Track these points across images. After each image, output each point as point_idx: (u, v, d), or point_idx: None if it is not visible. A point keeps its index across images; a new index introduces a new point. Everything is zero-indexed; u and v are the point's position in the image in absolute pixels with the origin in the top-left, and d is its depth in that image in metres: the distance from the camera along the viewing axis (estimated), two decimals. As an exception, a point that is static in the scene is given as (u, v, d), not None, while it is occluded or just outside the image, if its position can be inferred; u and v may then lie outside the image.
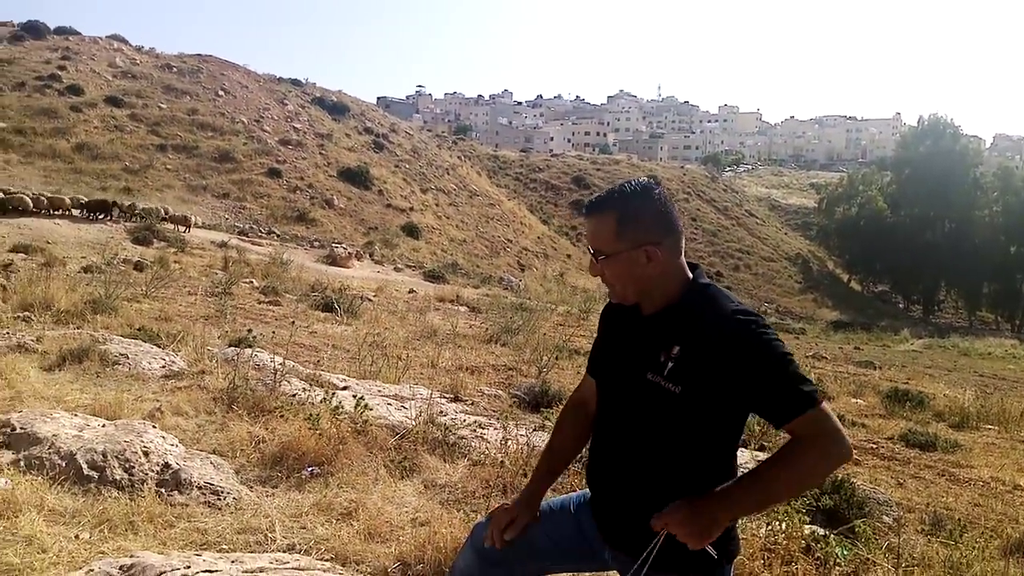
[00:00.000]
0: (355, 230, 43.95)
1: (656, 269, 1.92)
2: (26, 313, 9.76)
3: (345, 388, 6.65)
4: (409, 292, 23.02)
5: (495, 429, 5.60)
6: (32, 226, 23.09)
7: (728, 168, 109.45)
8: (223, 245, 26.78)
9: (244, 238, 31.48)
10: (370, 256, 35.35)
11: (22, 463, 3.78)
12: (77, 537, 3.27)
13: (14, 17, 56.07)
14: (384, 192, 51.15)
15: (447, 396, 7.43)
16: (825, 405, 1.77)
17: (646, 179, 2.02)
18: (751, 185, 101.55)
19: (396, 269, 33.11)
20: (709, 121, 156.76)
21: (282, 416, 5.08)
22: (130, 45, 60.39)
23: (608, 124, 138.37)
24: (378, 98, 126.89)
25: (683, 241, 1.98)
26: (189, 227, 29.00)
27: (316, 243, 35.75)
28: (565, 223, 71.83)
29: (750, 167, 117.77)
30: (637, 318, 2.02)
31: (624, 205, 1.94)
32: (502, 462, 4.44)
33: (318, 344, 10.86)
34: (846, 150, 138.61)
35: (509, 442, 4.82)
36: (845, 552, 3.74)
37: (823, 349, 21.39)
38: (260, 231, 35.90)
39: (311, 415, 4.78)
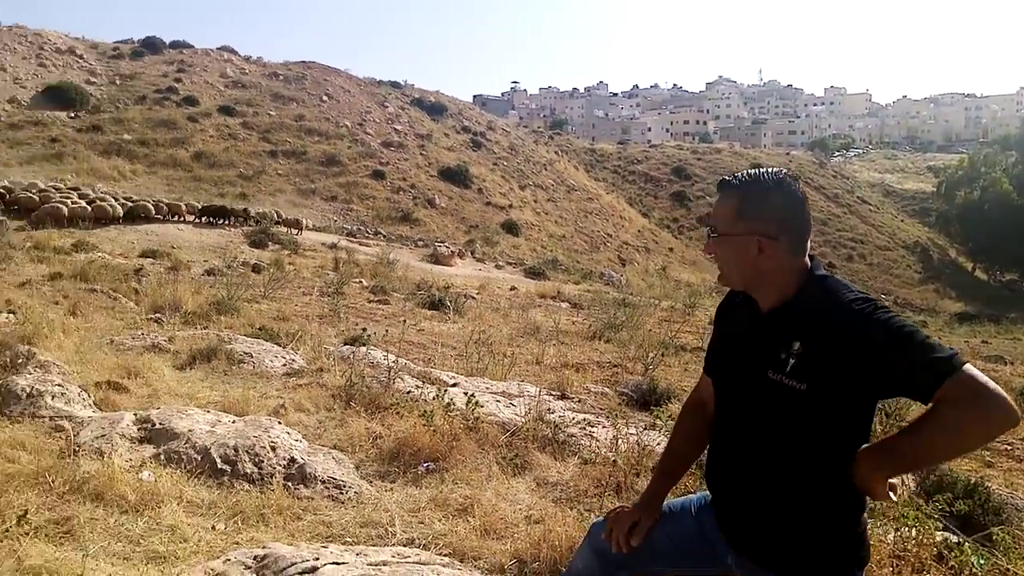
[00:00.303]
0: (457, 228, 44.65)
1: (768, 263, 1.86)
2: (157, 315, 10.43)
3: (455, 385, 6.78)
4: (511, 289, 23.16)
5: (604, 427, 5.57)
6: (158, 232, 24.60)
7: (837, 153, 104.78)
8: (333, 246, 27.76)
9: (352, 239, 32.52)
10: (472, 254, 35.83)
11: (162, 457, 4.05)
12: (214, 528, 3.48)
13: (134, 34, 59.91)
14: (483, 190, 51.73)
15: (554, 393, 7.44)
16: (971, 367, 1.62)
17: (785, 172, 1.95)
18: (862, 170, 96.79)
19: (497, 267, 33.40)
20: (815, 104, 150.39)
21: (397, 413, 5.23)
22: (239, 55, 63.44)
23: (708, 112, 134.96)
24: (474, 96, 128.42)
25: (807, 241, 1.90)
26: (301, 230, 30.22)
27: (420, 242, 36.53)
28: (666, 215, 70.60)
29: (861, 151, 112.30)
30: (754, 315, 1.96)
31: (749, 190, 1.90)
32: (614, 461, 4.40)
33: (426, 341, 11.09)
34: (965, 130, 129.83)
35: (619, 441, 4.78)
36: (982, 561, 3.50)
37: (947, 343, 20.16)
38: (367, 232, 37.00)
39: (425, 412, 4.90)
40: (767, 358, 1.86)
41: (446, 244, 35.36)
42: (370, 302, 16.01)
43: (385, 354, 6.89)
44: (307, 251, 25.85)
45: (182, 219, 27.32)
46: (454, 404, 5.12)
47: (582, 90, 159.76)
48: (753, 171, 1.96)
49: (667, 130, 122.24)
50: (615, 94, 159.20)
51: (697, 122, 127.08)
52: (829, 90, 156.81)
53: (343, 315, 12.99)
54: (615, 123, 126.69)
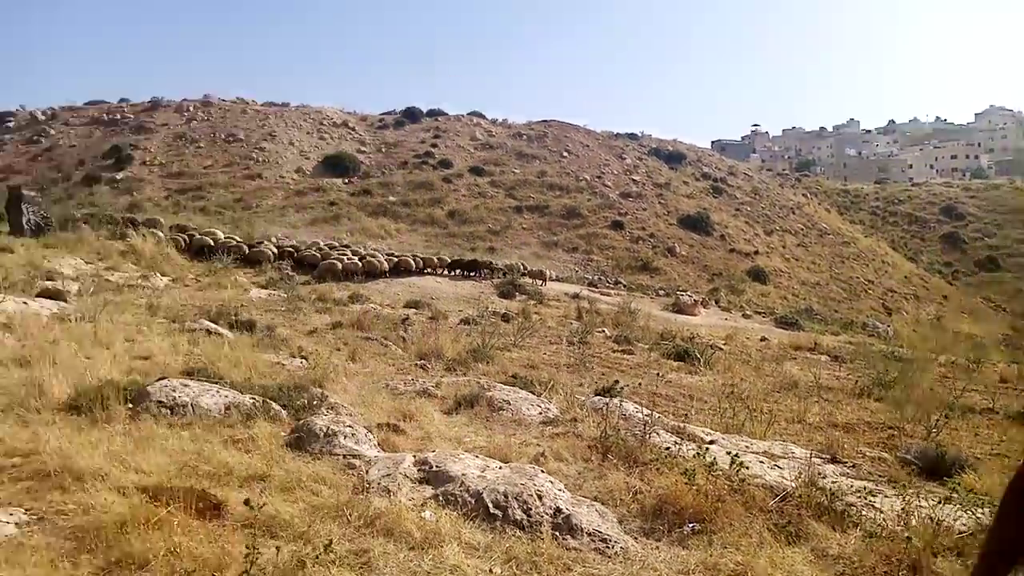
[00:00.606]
0: (699, 277, 43.71)
1: None
2: (423, 361, 11.25)
3: (712, 442, 6.51)
4: (760, 340, 22.06)
5: (887, 497, 5.03)
6: (419, 284, 26.67)
7: None
8: (575, 296, 28.32)
9: (593, 289, 32.99)
10: (716, 303, 34.77)
11: (440, 498, 4.30)
12: (491, 571, 3.60)
13: (397, 106, 66.51)
14: (726, 237, 50.30)
15: (823, 456, 6.87)
16: None
17: None
18: None
19: (744, 316, 32.06)
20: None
21: (657, 469, 5.13)
22: (487, 119, 67.92)
23: (979, 145, 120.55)
24: (712, 142, 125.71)
25: None
26: (545, 281, 31.24)
27: (661, 291, 36.16)
28: (936, 259, 63.68)
29: None
30: None
31: None
32: (908, 538, 3.93)
33: (675, 394, 10.84)
34: None
35: (910, 514, 4.27)
36: None
37: None
38: (607, 281, 37.37)
39: (686, 470, 4.74)
40: None
41: (688, 293, 34.65)
42: (614, 352, 15.97)
43: (638, 407, 6.81)
44: (551, 301, 26.54)
45: (438, 272, 29.42)
46: (716, 464, 4.90)
47: (830, 128, 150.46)
48: None
49: (931, 166, 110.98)
50: (868, 131, 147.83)
51: (967, 156, 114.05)
52: None
53: (589, 364, 13.12)
54: (870, 162, 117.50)
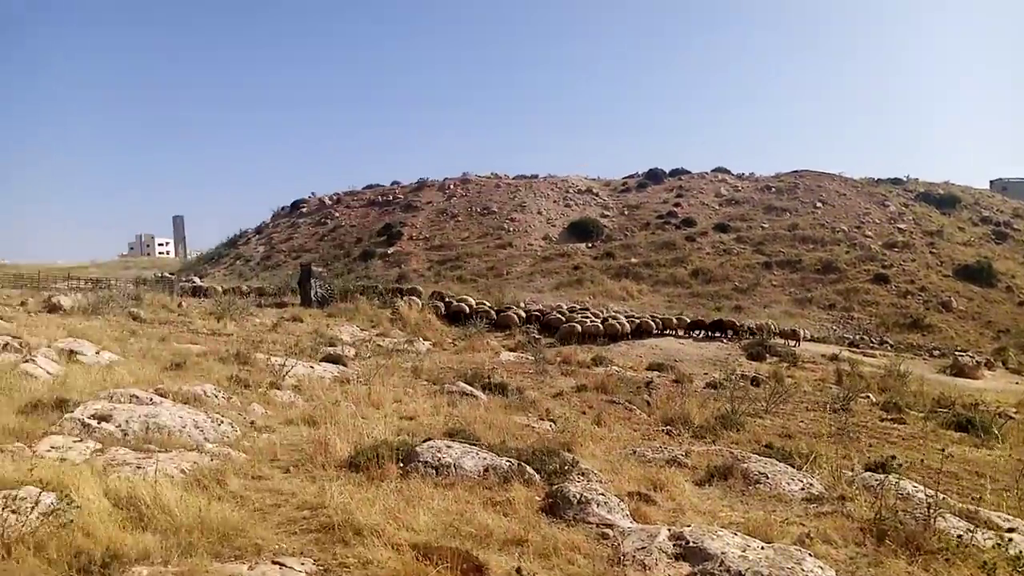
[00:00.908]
0: (981, 335, 38.72)
1: None
2: (668, 427, 11.03)
3: (1012, 530, 5.63)
4: (1065, 408, 18.96)
5: None
6: (661, 346, 26.33)
7: None
8: (834, 358, 26.35)
9: (854, 349, 30.54)
10: (1003, 364, 30.60)
11: (698, 576, 4.12)
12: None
13: (639, 168, 67.37)
14: (1014, 288, 44.23)
15: None
16: None
17: None
18: None
19: (1041, 379, 27.82)
20: None
21: (946, 559, 4.52)
22: (732, 174, 66.50)
23: None
24: (991, 181, 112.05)
25: None
26: (798, 341, 29.42)
27: (935, 351, 32.62)
28: None
29: None
30: None
31: None
32: None
33: (958, 470, 9.60)
34: None
35: None
36: None
37: None
38: (870, 341, 34.41)
39: (984, 563, 4.13)
40: None
41: (969, 353, 30.92)
42: (882, 421, 14.58)
43: (917, 486, 6.10)
44: (806, 363, 24.89)
45: (679, 332, 28.86)
46: (1023, 557, 4.22)
47: None
48: None
49: None
50: None
51: None
52: None
53: (853, 435, 12.06)
54: None
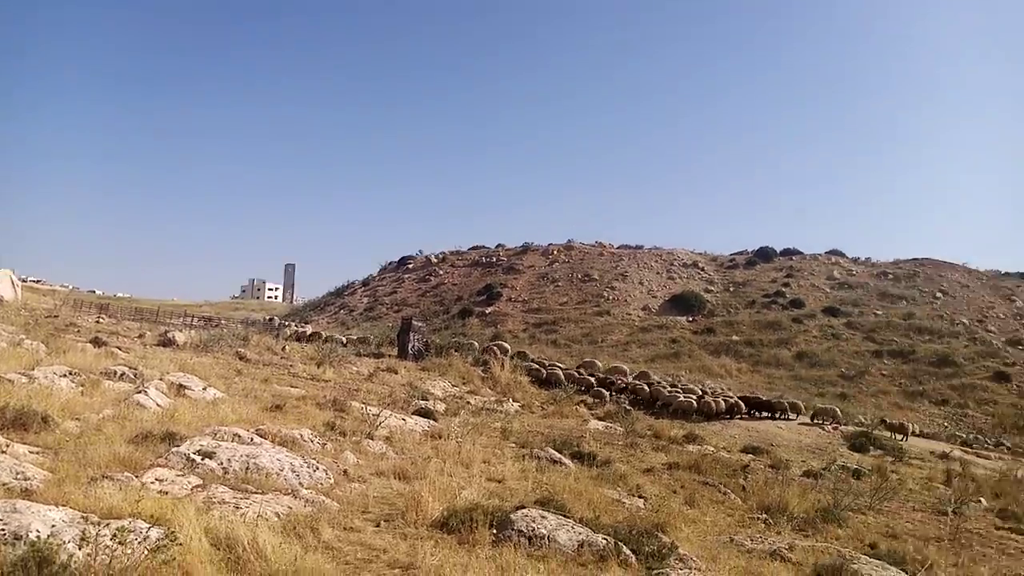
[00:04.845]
0: (1117, 444, 35.44)
1: None
2: (764, 515, 10.47)
3: None
4: None
5: None
6: (758, 428, 25.29)
7: None
8: (944, 456, 24.63)
9: (967, 449, 28.45)
10: None
11: None
12: None
13: (750, 246, 66.26)
14: None
15: None
16: None
17: None
18: None
19: None
20: None
21: None
22: (846, 257, 64.42)
23: None
24: None
25: None
26: (907, 435, 27.70)
27: (1062, 458, 29.97)
28: None
29: None
30: None
31: None
32: None
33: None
34: None
35: None
36: None
37: None
38: (985, 441, 32.03)
39: None
40: None
41: (1098, 462, 28.15)
42: (998, 528, 13.47)
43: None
44: (913, 459, 23.36)
45: (778, 416, 27.54)
46: None
47: None
48: None
49: None
50: None
51: None
52: None
53: (966, 542, 11.16)
54: None
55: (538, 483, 9.32)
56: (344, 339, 30.98)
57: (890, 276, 57.90)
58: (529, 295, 56.17)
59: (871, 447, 24.10)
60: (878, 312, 50.51)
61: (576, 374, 27.46)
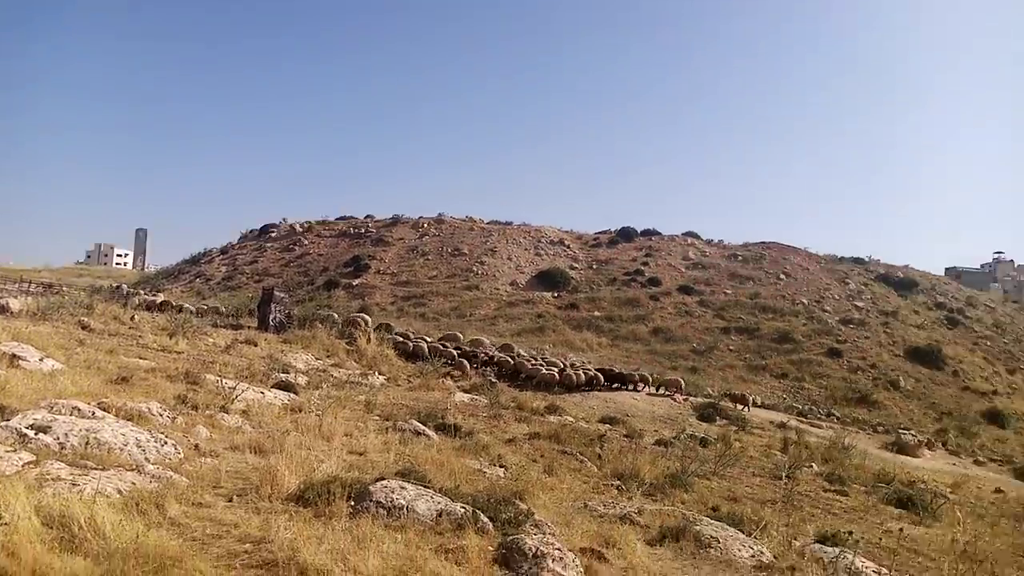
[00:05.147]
0: (924, 415, 39.60)
1: None
2: (617, 481, 10.95)
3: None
4: (995, 491, 19.66)
5: None
6: (615, 399, 26.37)
7: None
8: (782, 426, 26.63)
9: (802, 419, 30.90)
10: (943, 445, 31.24)
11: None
12: None
13: (613, 226, 68.37)
14: (960, 373, 45.48)
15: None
16: None
17: None
18: None
19: (976, 462, 28.57)
20: None
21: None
22: (701, 239, 67.73)
23: None
24: (946, 269, 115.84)
25: None
26: (748, 406, 29.70)
27: (880, 427, 33.19)
28: None
29: None
30: None
31: None
32: None
33: (895, 546, 9.67)
34: None
35: None
36: None
37: None
38: (818, 412, 34.89)
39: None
40: None
41: (912, 432, 31.48)
42: (825, 491, 14.74)
43: (871, 565, 6.10)
44: (755, 429, 25.12)
45: (634, 388, 28.74)
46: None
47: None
48: None
49: None
50: None
51: None
52: None
53: (798, 504, 12.15)
54: None
55: (400, 455, 9.28)
56: (200, 309, 29.49)
57: (739, 258, 61.58)
58: (398, 268, 55.55)
59: (717, 417, 25.70)
60: (728, 291, 53.67)
61: (440, 347, 27.47)
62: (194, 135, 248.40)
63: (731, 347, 45.17)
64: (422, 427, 12.32)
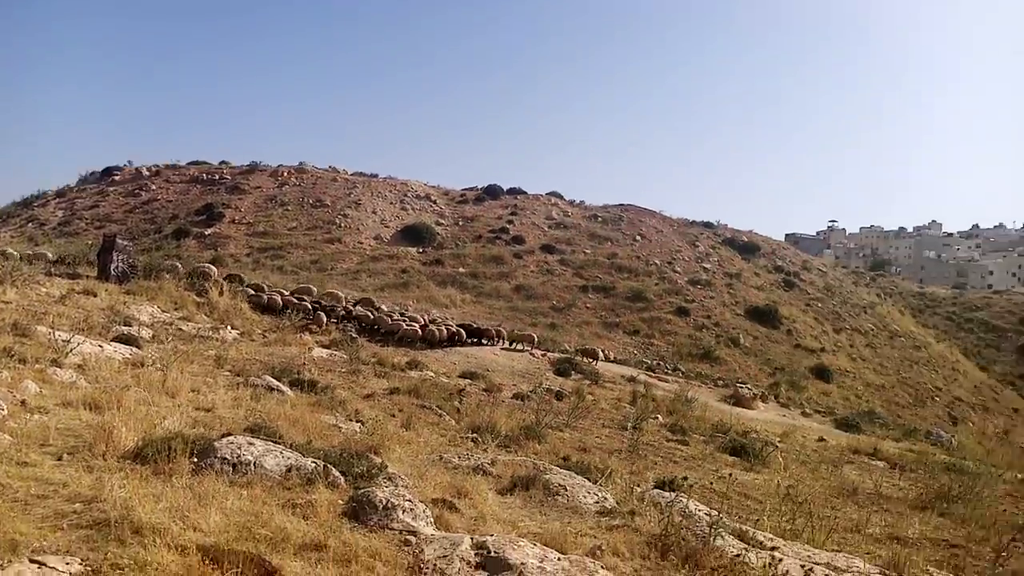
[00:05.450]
0: (760, 370, 42.70)
1: None
2: (474, 434, 11.16)
3: (774, 549, 6.21)
4: (818, 440, 21.32)
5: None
6: (476, 355, 26.66)
7: None
8: (632, 380, 27.85)
9: (651, 374, 32.42)
10: (775, 398, 33.70)
11: (495, 587, 4.16)
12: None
13: (480, 183, 68.42)
14: (793, 332, 49.28)
15: (889, 573, 6.47)
16: None
17: None
18: None
19: (804, 414, 30.99)
20: None
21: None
22: (564, 200, 68.98)
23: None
24: (786, 235, 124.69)
25: None
26: (596, 359, 30.83)
27: (720, 382, 35.36)
28: (1010, 371, 61.16)
29: None
30: None
31: None
32: None
33: (728, 491, 10.47)
34: None
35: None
36: None
37: None
38: (666, 367, 36.74)
39: (755, 581, 4.51)
40: None
41: (748, 385, 33.72)
42: (668, 441, 15.63)
43: (703, 508, 6.56)
44: (607, 382, 26.15)
45: (491, 343, 29.11)
46: None
47: (910, 229, 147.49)
48: None
49: (1014, 274, 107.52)
50: (950, 234, 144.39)
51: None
52: None
53: (643, 452, 12.85)
54: (949, 266, 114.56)
55: (251, 411, 9.00)
56: (29, 255, 27.05)
57: (599, 219, 63.42)
58: (255, 217, 53.13)
59: (573, 372, 26.53)
60: (587, 251, 55.29)
61: (296, 300, 26.60)
62: (24, 62, 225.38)
63: (588, 305, 46.67)
64: (276, 383, 11.98)
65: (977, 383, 53.94)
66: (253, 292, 26.28)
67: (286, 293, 27.56)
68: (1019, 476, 17.18)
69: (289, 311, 24.73)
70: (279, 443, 6.30)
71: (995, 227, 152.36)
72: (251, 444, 5.96)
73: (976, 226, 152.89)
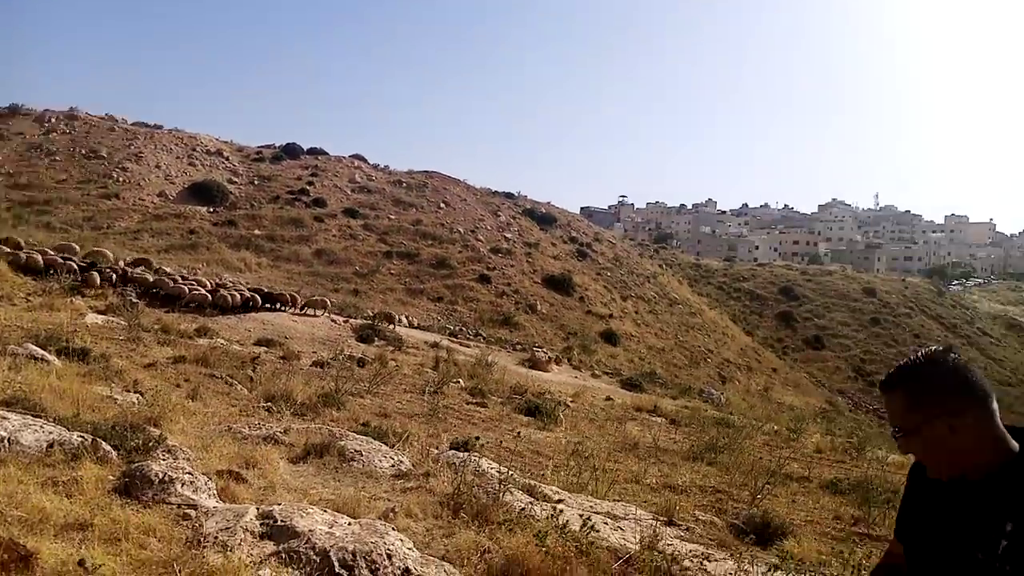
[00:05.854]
0: (555, 335, 44.73)
1: (964, 442, 1.77)
2: (269, 403, 10.76)
3: (560, 501, 6.60)
4: (606, 399, 22.71)
5: (718, 561, 5.27)
6: (273, 322, 25.59)
7: (956, 282, 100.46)
8: (435, 345, 28.15)
9: (454, 339, 32.94)
10: (568, 361, 35.52)
11: (283, 555, 4.05)
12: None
13: (277, 141, 65.12)
14: (585, 299, 52.02)
15: (660, 519, 7.11)
16: None
17: (936, 348, 1.89)
18: (983, 301, 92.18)
19: (594, 375, 32.95)
20: (933, 231, 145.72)
21: (509, 529, 5.11)
22: (368, 163, 67.56)
23: (819, 233, 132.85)
24: (581, 208, 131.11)
25: (994, 405, 1.81)
26: (394, 324, 30.78)
27: (519, 346, 36.60)
28: (771, 335, 68.83)
29: (982, 281, 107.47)
30: (957, 486, 1.84)
31: (911, 379, 1.85)
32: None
33: (524, 450, 10.95)
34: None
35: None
36: None
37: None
38: (468, 333, 37.47)
39: (538, 532, 4.75)
40: (974, 536, 1.75)
41: (544, 349, 35.24)
42: (468, 404, 15.96)
43: (495, 466, 6.81)
44: (410, 348, 26.23)
45: (283, 308, 27.94)
46: (568, 526, 4.95)
47: (690, 206, 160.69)
48: (903, 361, 1.91)
49: (775, 249, 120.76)
50: (723, 212, 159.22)
51: (807, 243, 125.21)
52: (950, 218, 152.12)
53: (443, 416, 13.06)
54: (722, 240, 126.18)
55: (10, 382, 8.06)
56: None
57: (404, 185, 62.93)
58: (16, 168, 47.07)
59: (376, 338, 26.32)
60: (392, 216, 54.74)
61: (60, 259, 23.94)
62: None
63: (392, 271, 46.38)
64: (41, 351, 10.80)
65: (743, 346, 60.06)
66: (9, 250, 23.37)
67: (50, 252, 24.77)
68: (775, 428, 19.39)
69: (54, 272, 22.25)
70: (40, 417, 5.69)
71: (761, 206, 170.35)
72: (4, 419, 5.34)
73: (745, 205, 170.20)
